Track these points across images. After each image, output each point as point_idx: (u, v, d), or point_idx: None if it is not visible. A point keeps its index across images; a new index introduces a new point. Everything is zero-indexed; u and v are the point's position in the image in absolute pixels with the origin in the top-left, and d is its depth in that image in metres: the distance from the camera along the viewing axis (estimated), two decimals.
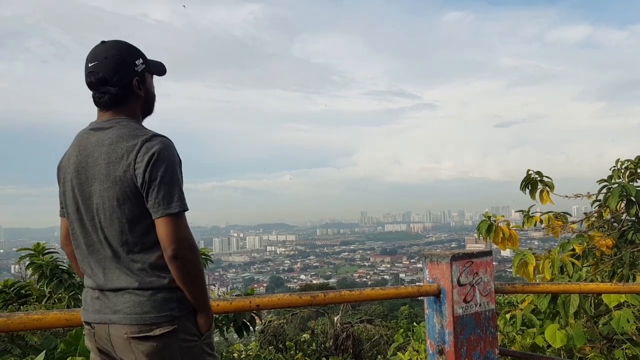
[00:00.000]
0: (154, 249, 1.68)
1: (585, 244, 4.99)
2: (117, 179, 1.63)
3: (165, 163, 1.62)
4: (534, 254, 4.71)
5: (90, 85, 1.74)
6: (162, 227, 1.61)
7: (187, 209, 1.63)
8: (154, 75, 1.88)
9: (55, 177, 1.85)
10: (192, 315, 1.74)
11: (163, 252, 1.63)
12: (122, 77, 1.72)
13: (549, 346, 4.25)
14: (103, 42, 1.77)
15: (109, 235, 1.68)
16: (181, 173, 1.68)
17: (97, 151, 1.67)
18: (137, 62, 1.77)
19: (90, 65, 1.73)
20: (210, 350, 1.79)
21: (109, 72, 1.71)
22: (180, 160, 1.70)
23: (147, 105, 1.85)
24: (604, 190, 5.26)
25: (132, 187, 1.63)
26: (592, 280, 4.86)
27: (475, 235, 5.29)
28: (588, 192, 5.52)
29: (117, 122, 1.71)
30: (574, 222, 5.50)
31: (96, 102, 1.76)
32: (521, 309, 4.76)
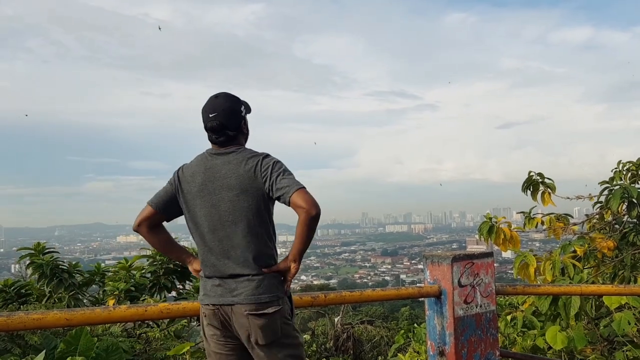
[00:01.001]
0: (265, 242, 2.26)
1: (587, 245, 4.98)
2: (246, 187, 2.22)
3: (279, 168, 2.23)
4: (535, 255, 4.70)
5: (212, 129, 2.30)
6: (299, 198, 2.15)
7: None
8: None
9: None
10: (288, 299, 2.31)
11: (300, 215, 2.15)
12: (235, 123, 2.32)
13: (550, 348, 4.24)
14: (216, 96, 2.35)
15: (233, 234, 2.23)
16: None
17: (225, 168, 2.26)
18: (241, 109, 2.37)
19: (210, 115, 2.29)
20: (297, 330, 2.36)
21: (227, 121, 2.29)
22: None
23: (246, 138, 2.44)
24: (606, 192, 5.25)
25: (259, 192, 2.23)
26: (593, 282, 4.85)
27: (477, 236, 5.28)
28: (589, 194, 5.51)
29: (237, 148, 2.32)
30: (575, 224, 5.49)
31: (213, 141, 2.33)
32: (522, 311, 4.75)
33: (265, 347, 2.22)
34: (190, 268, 2.48)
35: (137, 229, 2.38)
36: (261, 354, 2.24)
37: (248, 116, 2.45)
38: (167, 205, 2.37)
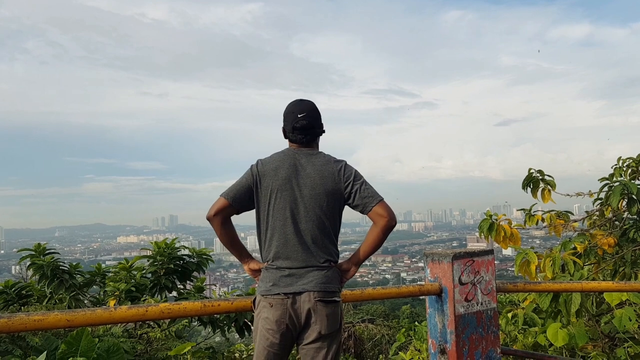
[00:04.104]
0: (333, 240, 2.45)
1: (587, 242, 4.98)
2: (328, 187, 2.42)
3: (361, 177, 2.48)
4: (535, 252, 4.70)
5: (302, 128, 2.48)
6: (382, 208, 2.40)
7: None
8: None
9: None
10: None
11: (378, 224, 2.42)
12: (320, 124, 2.56)
13: (551, 345, 4.24)
14: (301, 100, 2.57)
15: (310, 228, 2.40)
16: None
17: (310, 167, 2.44)
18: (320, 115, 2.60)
19: (300, 115, 2.49)
20: None
21: (315, 121, 2.52)
22: None
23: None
24: (606, 189, 5.25)
25: (338, 194, 2.43)
26: (593, 279, 4.85)
27: (477, 234, 5.28)
28: (590, 191, 5.51)
29: (320, 152, 2.54)
30: (575, 221, 5.49)
31: (299, 140, 2.50)
32: (523, 308, 4.75)
33: (325, 337, 2.35)
34: (245, 267, 2.60)
35: (212, 219, 2.46)
36: (316, 344, 2.36)
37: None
38: (242, 199, 2.47)
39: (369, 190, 2.44)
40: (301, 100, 2.58)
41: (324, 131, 2.60)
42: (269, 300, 2.37)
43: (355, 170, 2.49)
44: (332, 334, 2.37)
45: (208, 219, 2.48)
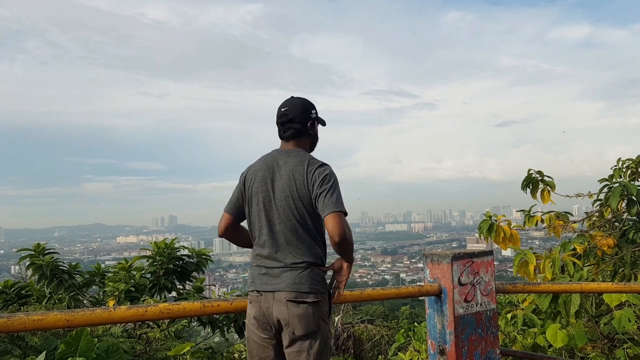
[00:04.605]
0: (310, 241, 2.38)
1: (587, 243, 4.99)
2: (300, 191, 2.35)
3: (329, 183, 2.33)
4: (535, 253, 4.70)
5: (281, 123, 2.48)
6: (329, 222, 2.27)
7: (346, 212, 2.31)
8: (320, 125, 2.64)
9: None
10: (328, 298, 2.40)
11: (330, 238, 2.29)
12: (302, 119, 2.48)
13: (550, 346, 4.24)
14: (294, 96, 2.55)
15: (283, 230, 2.37)
16: (339, 188, 2.38)
17: (284, 168, 2.40)
18: (313, 111, 2.54)
19: (282, 109, 2.49)
20: (330, 332, 2.42)
21: (295, 114, 2.47)
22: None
23: (312, 144, 2.60)
24: (605, 190, 5.25)
25: (306, 197, 2.35)
26: (593, 280, 4.85)
27: (477, 234, 5.28)
28: (589, 192, 5.51)
29: (298, 151, 2.47)
30: (575, 222, 5.49)
31: (281, 135, 2.51)
32: (522, 309, 4.76)
33: (300, 338, 2.31)
34: None
35: (223, 236, 2.58)
36: (294, 348, 2.33)
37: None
38: (240, 208, 2.53)
39: (329, 199, 2.31)
40: (292, 97, 2.57)
41: (309, 133, 2.53)
42: (249, 297, 2.45)
43: (327, 175, 2.37)
44: (309, 336, 2.32)
45: (220, 236, 2.58)
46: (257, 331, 2.42)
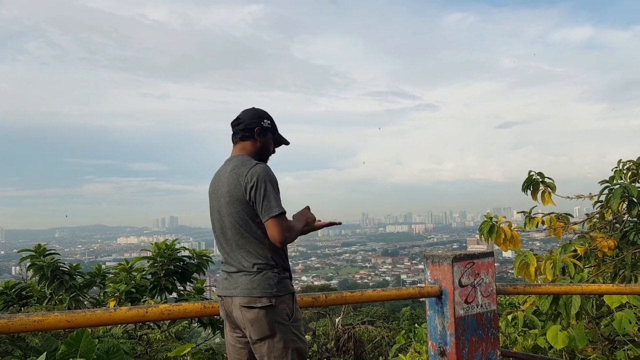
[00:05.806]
0: (257, 243, 2.37)
1: (587, 245, 4.98)
2: (235, 196, 2.37)
3: (262, 185, 2.33)
4: (535, 255, 4.70)
5: (232, 126, 2.56)
6: (269, 228, 2.31)
7: (284, 212, 2.32)
8: (281, 145, 2.66)
9: None
10: (289, 300, 2.37)
11: (272, 241, 2.33)
12: (250, 123, 2.52)
13: (551, 347, 4.24)
14: (253, 107, 2.61)
15: (231, 236, 2.41)
16: (277, 187, 2.38)
17: (225, 175, 2.44)
18: (265, 120, 2.56)
19: (237, 116, 2.56)
20: (299, 334, 2.38)
21: (244, 119, 2.53)
22: (276, 179, 2.39)
23: (261, 152, 2.57)
24: (606, 191, 5.25)
25: (243, 201, 2.35)
26: (593, 282, 4.85)
27: (477, 236, 5.28)
28: (590, 193, 5.51)
29: (239, 156, 2.49)
30: (575, 223, 5.49)
31: (232, 139, 2.56)
32: (523, 310, 4.75)
33: (257, 342, 2.34)
34: (315, 225, 2.58)
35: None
36: (256, 352, 2.38)
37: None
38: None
39: (265, 205, 2.32)
40: (253, 107, 2.64)
41: (254, 137, 2.51)
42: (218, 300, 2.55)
43: (260, 176, 2.34)
44: (264, 340, 2.32)
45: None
46: (230, 332, 2.50)
